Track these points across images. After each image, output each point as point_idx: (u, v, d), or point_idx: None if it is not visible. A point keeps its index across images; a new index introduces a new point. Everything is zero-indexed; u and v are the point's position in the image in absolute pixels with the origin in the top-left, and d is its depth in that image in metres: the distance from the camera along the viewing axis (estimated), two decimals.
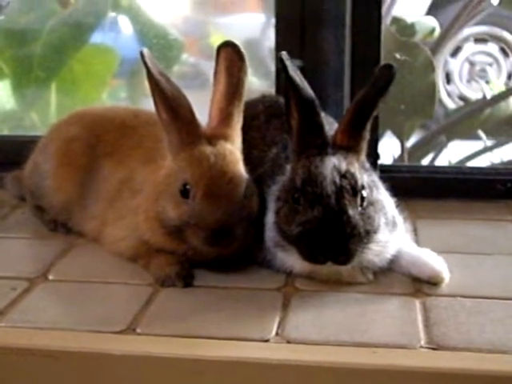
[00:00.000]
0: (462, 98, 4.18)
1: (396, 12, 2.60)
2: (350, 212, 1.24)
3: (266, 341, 1.14)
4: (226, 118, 1.38)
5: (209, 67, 1.49)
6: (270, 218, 1.35)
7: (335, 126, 1.39)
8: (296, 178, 1.29)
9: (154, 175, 1.40)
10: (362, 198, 1.27)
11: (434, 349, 1.11)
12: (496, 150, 2.67)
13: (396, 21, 2.55)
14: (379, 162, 1.78)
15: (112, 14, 2.48)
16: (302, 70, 1.38)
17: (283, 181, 1.34)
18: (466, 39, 4.27)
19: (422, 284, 1.32)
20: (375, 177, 1.36)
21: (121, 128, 1.56)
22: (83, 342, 1.14)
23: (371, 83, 1.30)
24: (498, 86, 3.67)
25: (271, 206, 1.35)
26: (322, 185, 1.25)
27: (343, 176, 1.26)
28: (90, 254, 1.48)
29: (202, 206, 1.30)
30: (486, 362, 1.07)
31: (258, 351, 1.11)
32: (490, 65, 4.25)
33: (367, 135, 1.33)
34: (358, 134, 1.31)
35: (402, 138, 2.46)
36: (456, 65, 4.31)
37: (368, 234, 1.26)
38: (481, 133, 2.68)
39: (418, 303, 1.26)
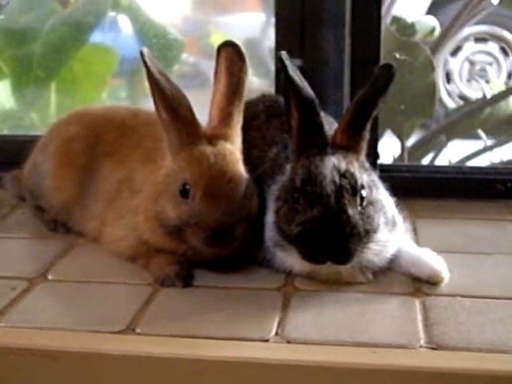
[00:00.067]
0: (462, 97, 4.18)
1: (396, 11, 2.60)
2: (350, 211, 1.24)
3: (266, 341, 1.14)
4: (226, 117, 1.38)
5: (209, 67, 1.49)
6: (269, 218, 1.35)
7: (335, 125, 1.39)
8: (296, 178, 1.28)
9: (154, 175, 1.40)
10: (362, 198, 1.27)
11: (433, 348, 1.11)
12: (496, 150, 2.67)
13: (396, 20, 2.55)
14: (379, 161, 1.78)
15: (112, 14, 2.48)
16: (302, 70, 1.38)
17: (283, 180, 1.34)
18: (466, 38, 4.27)
19: (421, 284, 1.32)
20: (375, 176, 1.36)
21: (120, 128, 1.56)
22: (83, 341, 1.14)
23: (371, 83, 1.30)
24: (498, 85, 3.67)
25: (271, 206, 1.35)
26: (322, 184, 1.25)
27: (343, 176, 1.26)
28: (90, 253, 1.48)
29: (201, 205, 1.30)
30: (485, 361, 1.07)
31: (257, 351, 1.11)
32: (490, 64, 4.25)
33: (367, 135, 1.33)
34: (358, 133, 1.31)
35: (401, 137, 2.46)
36: (456, 64, 4.31)
37: (368, 234, 1.26)
38: (481, 132, 2.68)
39: (417, 303, 1.26)
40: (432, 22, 2.62)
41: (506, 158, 2.59)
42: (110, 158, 1.53)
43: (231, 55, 1.39)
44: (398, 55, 2.29)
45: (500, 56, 4.23)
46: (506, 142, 2.69)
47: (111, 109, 1.72)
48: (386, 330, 1.16)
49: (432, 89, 2.41)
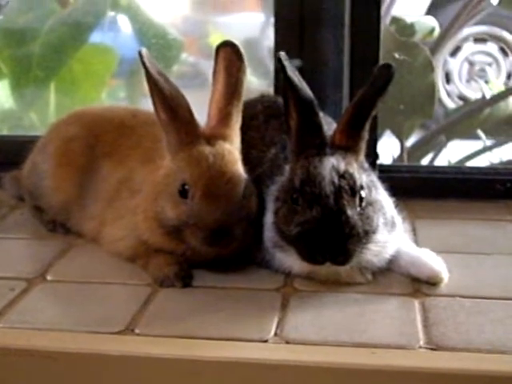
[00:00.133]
0: (462, 97, 4.18)
1: (395, 12, 2.60)
2: (349, 212, 1.24)
3: (265, 341, 1.14)
4: (224, 117, 1.38)
5: (208, 67, 1.49)
6: (268, 219, 1.34)
7: (334, 126, 1.39)
8: (295, 179, 1.28)
9: (153, 175, 1.40)
10: (361, 199, 1.27)
11: (433, 349, 1.11)
12: (495, 150, 2.66)
13: (395, 20, 2.55)
14: (378, 161, 1.78)
15: (111, 14, 2.48)
16: (301, 70, 1.38)
17: (282, 181, 1.34)
18: (466, 39, 4.27)
19: (421, 284, 1.32)
20: (374, 177, 1.36)
21: (119, 128, 1.56)
22: (82, 342, 1.14)
23: (370, 83, 1.30)
24: (497, 85, 3.67)
25: (270, 207, 1.35)
26: (321, 185, 1.24)
27: (342, 176, 1.26)
28: (89, 254, 1.48)
29: (200, 206, 1.29)
30: (485, 362, 1.07)
31: (256, 352, 1.11)
32: (490, 64, 4.25)
33: (366, 135, 1.33)
34: (357, 134, 1.31)
35: (401, 137, 2.46)
36: (455, 64, 4.31)
37: (367, 235, 1.26)
38: (480, 132, 2.68)
39: (417, 303, 1.26)
40: (431, 22, 2.61)
41: (505, 159, 2.59)
42: (109, 159, 1.53)
43: (230, 55, 1.39)
44: (397, 55, 2.29)
45: (499, 56, 4.23)
46: (506, 142, 2.69)
47: (110, 109, 1.73)
48: (386, 331, 1.16)
49: (431, 89, 2.41)
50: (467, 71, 4.31)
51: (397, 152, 2.47)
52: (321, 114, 1.33)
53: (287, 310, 1.24)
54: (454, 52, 4.31)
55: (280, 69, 1.31)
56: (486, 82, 3.94)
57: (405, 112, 2.40)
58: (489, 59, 4.27)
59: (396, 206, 1.40)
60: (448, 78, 4.31)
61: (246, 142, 1.44)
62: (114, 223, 1.45)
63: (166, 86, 1.34)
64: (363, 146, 1.33)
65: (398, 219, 1.39)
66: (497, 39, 4.26)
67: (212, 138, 1.36)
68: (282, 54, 1.32)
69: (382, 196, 1.34)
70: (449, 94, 4.25)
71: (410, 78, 2.35)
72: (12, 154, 1.68)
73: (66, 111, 1.75)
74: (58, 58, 2.37)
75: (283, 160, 1.39)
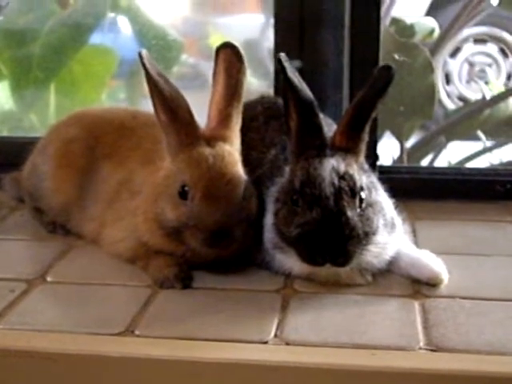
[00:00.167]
0: (462, 98, 4.18)
1: (395, 13, 2.60)
2: (349, 213, 1.24)
3: (265, 343, 1.14)
4: (224, 119, 1.38)
5: (208, 68, 1.49)
6: (268, 220, 1.34)
7: (334, 127, 1.39)
8: (295, 180, 1.28)
9: (153, 176, 1.40)
10: (361, 200, 1.27)
11: (433, 350, 1.11)
12: (495, 151, 2.66)
13: (395, 21, 2.55)
14: (378, 163, 1.78)
15: (111, 15, 2.48)
16: (301, 71, 1.38)
17: (282, 182, 1.34)
18: (466, 40, 4.27)
19: (420, 285, 1.32)
20: (374, 178, 1.36)
21: (120, 129, 1.56)
22: (81, 344, 1.14)
23: (370, 84, 1.30)
24: (497, 86, 3.67)
25: (270, 208, 1.35)
26: (321, 186, 1.24)
27: (342, 177, 1.26)
28: (89, 255, 1.48)
29: (200, 207, 1.29)
30: (485, 363, 1.07)
31: (256, 353, 1.11)
32: (490, 65, 4.25)
33: (366, 137, 1.33)
34: (357, 135, 1.31)
35: (401, 138, 2.46)
36: (455, 65, 4.30)
37: (367, 236, 1.26)
38: (480, 133, 2.68)
39: (416, 305, 1.26)
40: (431, 23, 2.61)
41: (505, 160, 2.59)
42: (109, 160, 1.53)
43: (230, 57, 1.39)
44: (397, 56, 2.29)
45: (499, 57, 4.23)
46: (506, 143, 2.69)
47: (110, 110, 1.72)
48: (386, 332, 1.16)
49: (431, 90, 2.41)
50: (467, 72, 4.31)
51: (397, 153, 2.47)
52: (321, 115, 1.33)
53: (287, 311, 1.24)
54: (454, 53, 4.31)
55: (280, 70, 1.32)
56: (486, 82, 3.94)
57: (405, 113, 2.40)
58: (489, 60, 4.27)
59: (396, 208, 1.40)
60: (448, 79, 4.31)
61: (246, 144, 1.44)
62: (113, 225, 1.45)
63: (166, 87, 1.34)
64: (363, 147, 1.33)
65: (398, 220, 1.39)
66: (497, 40, 4.26)
67: (212, 139, 1.36)
68: (282, 55, 1.32)
69: (382, 197, 1.34)
70: (449, 95, 4.25)
71: (409, 79, 2.35)
72: (12, 156, 1.68)
73: (66, 112, 1.75)
74: (58, 59, 2.37)
75: (283, 161, 1.39)
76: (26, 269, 1.42)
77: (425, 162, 2.60)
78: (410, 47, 2.40)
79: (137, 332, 1.17)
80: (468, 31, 4.06)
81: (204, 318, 1.21)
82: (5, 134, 2.50)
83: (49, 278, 1.39)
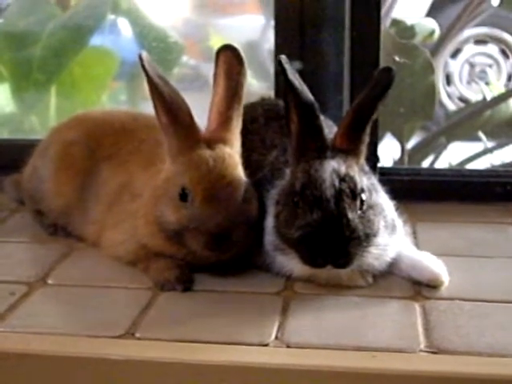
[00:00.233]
0: (462, 99, 4.18)
1: (395, 14, 2.60)
2: (350, 215, 1.24)
3: (266, 345, 1.14)
4: (225, 121, 1.38)
5: (209, 69, 1.49)
6: (269, 222, 1.34)
7: (334, 129, 1.39)
8: (295, 182, 1.28)
9: (154, 179, 1.40)
10: (362, 202, 1.27)
11: (433, 352, 1.11)
12: (496, 152, 2.66)
13: (395, 23, 2.55)
14: (379, 164, 1.78)
15: (112, 17, 2.49)
16: (302, 73, 1.38)
17: (282, 185, 1.34)
18: (466, 41, 4.27)
19: (421, 287, 1.32)
20: (375, 180, 1.36)
21: (120, 132, 1.56)
22: (82, 346, 1.14)
23: (370, 86, 1.30)
24: (498, 87, 3.67)
25: (270, 210, 1.35)
26: (322, 188, 1.24)
27: (342, 179, 1.26)
28: (90, 258, 1.48)
29: (201, 210, 1.29)
30: (485, 365, 1.07)
31: (257, 355, 1.11)
32: (490, 66, 4.25)
33: (367, 138, 1.33)
34: (358, 137, 1.31)
35: (401, 140, 2.46)
36: (456, 66, 4.30)
37: (367, 238, 1.26)
38: (481, 134, 2.68)
39: (417, 307, 1.26)
40: (431, 24, 2.62)
41: (506, 161, 2.59)
42: (109, 162, 1.53)
43: (230, 59, 1.39)
44: (397, 58, 2.29)
45: (500, 58, 4.23)
46: (507, 144, 2.69)
47: (111, 113, 1.73)
48: (386, 334, 1.16)
49: (432, 91, 2.41)
50: (468, 73, 4.30)
51: (397, 155, 2.47)
52: (321, 117, 1.33)
53: (288, 313, 1.24)
54: (455, 54, 4.31)
55: (280, 71, 1.32)
56: (487, 83, 3.93)
57: (405, 114, 2.40)
58: (489, 61, 4.27)
59: (396, 209, 1.39)
60: (448, 80, 4.31)
61: (247, 146, 1.44)
62: (114, 227, 1.45)
63: (166, 89, 1.34)
64: (364, 149, 1.33)
65: (399, 222, 1.38)
66: (497, 41, 4.26)
67: (212, 141, 1.36)
68: (283, 56, 1.32)
69: (382, 199, 1.34)
70: (449, 96, 4.25)
71: (410, 81, 2.35)
72: (12, 158, 1.68)
73: (66, 114, 1.75)
74: (59, 61, 2.37)
75: (284, 163, 1.39)
76: (26, 271, 1.42)
77: (425, 164, 2.60)
78: (411, 48, 2.40)
79: (137, 334, 1.17)
80: (468, 32, 4.06)
81: (205, 321, 1.21)
82: (5, 136, 2.50)
83: (49, 281, 1.39)
